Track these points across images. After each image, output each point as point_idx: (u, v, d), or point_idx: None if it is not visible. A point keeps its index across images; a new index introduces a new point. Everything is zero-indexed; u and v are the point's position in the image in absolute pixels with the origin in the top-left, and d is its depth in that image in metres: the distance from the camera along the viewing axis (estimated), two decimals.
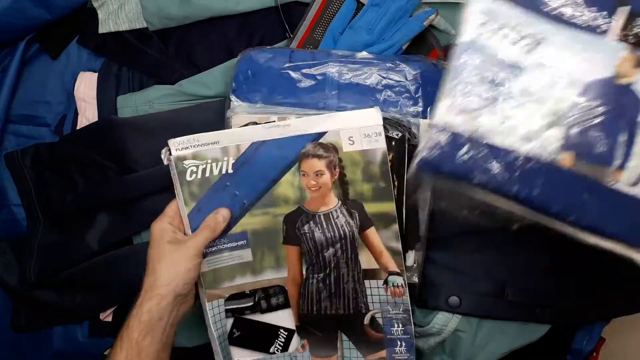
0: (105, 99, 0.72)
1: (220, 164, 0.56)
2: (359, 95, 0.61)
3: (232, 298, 0.59)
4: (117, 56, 0.74)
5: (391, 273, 0.58)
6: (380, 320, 0.60)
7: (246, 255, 0.58)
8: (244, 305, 0.60)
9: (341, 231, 0.58)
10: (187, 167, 0.56)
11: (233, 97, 0.63)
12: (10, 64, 0.75)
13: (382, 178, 0.57)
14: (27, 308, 0.73)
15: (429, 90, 0.61)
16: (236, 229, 0.57)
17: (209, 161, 0.56)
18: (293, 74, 0.63)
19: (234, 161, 0.56)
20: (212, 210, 0.56)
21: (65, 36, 0.76)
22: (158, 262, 0.53)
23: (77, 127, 0.73)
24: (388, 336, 0.60)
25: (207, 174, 0.56)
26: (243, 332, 0.61)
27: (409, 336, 0.60)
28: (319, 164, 0.57)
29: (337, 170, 0.57)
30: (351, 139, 0.56)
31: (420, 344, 0.66)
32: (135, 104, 0.70)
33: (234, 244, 0.58)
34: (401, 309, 0.59)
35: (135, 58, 0.73)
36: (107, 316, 0.72)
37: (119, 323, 0.53)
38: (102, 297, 0.70)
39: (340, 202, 0.58)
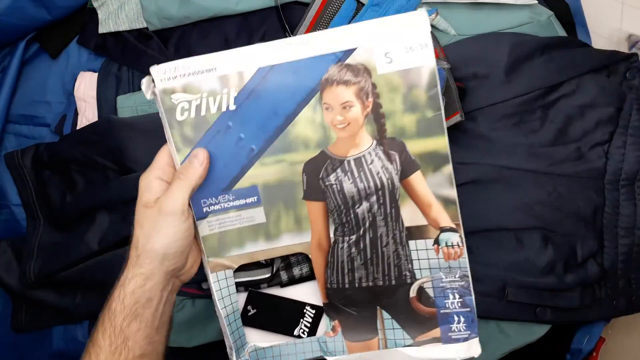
0: (105, 99, 0.72)
1: (218, 98, 0.44)
2: None
3: (243, 269, 0.49)
4: (117, 56, 0.74)
5: (444, 229, 0.47)
6: (430, 291, 0.48)
7: (258, 215, 0.47)
8: (259, 277, 0.51)
9: (377, 180, 0.46)
10: (176, 103, 0.44)
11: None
12: (10, 64, 0.75)
13: (430, 105, 0.44)
14: (27, 308, 0.73)
15: None
16: (243, 182, 0.46)
17: (205, 95, 0.44)
18: None
19: (236, 94, 0.44)
20: (213, 158, 0.46)
21: (65, 36, 0.76)
22: (140, 230, 0.44)
23: (77, 127, 0.73)
24: (441, 310, 0.48)
25: (203, 112, 0.45)
26: (260, 310, 0.51)
27: (468, 309, 0.48)
28: (347, 93, 0.45)
29: (370, 99, 0.45)
30: (388, 55, 0.43)
31: None
32: (135, 104, 0.70)
33: (242, 202, 0.47)
34: (457, 275, 0.48)
35: (135, 58, 0.73)
36: None
37: None
38: (102, 297, 0.70)
39: (375, 141, 0.46)
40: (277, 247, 0.48)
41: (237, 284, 0.49)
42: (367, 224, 0.48)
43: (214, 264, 0.48)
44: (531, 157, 0.61)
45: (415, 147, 0.46)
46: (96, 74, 0.74)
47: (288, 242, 0.48)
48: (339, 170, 0.46)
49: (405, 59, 0.44)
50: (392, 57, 0.44)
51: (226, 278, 0.49)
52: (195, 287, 0.67)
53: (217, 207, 0.47)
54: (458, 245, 0.47)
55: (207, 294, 0.66)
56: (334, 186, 0.47)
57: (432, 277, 0.48)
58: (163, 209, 0.43)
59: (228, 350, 0.50)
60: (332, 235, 0.48)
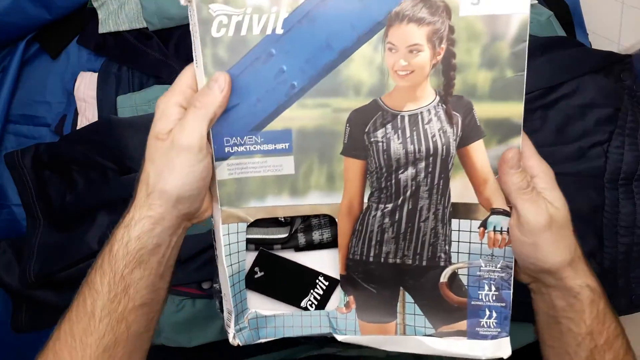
0: (105, 99, 0.72)
1: (265, 17, 0.38)
2: None
3: (258, 224, 0.44)
4: (117, 56, 0.74)
5: (495, 211, 0.41)
6: (464, 279, 0.43)
7: (286, 165, 0.41)
8: (274, 236, 0.45)
9: (431, 143, 0.40)
10: (214, 15, 0.38)
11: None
12: (10, 64, 0.75)
13: (512, 63, 0.38)
14: (27, 308, 0.73)
15: None
16: (276, 124, 0.40)
17: (249, 10, 0.37)
18: None
19: (287, 15, 0.37)
20: (246, 87, 0.39)
21: (65, 36, 0.76)
22: (151, 165, 0.39)
23: (77, 127, 0.73)
24: (473, 301, 0.43)
25: (244, 32, 0.38)
26: (268, 273, 0.46)
27: (504, 304, 0.43)
28: (418, 34, 0.38)
29: (444, 46, 0.38)
30: None
31: None
32: (135, 104, 0.70)
33: (271, 147, 0.41)
34: (499, 265, 0.42)
35: (135, 58, 0.73)
36: None
37: None
38: None
39: (438, 97, 0.39)
40: (302, 205, 0.42)
41: (248, 241, 0.43)
42: (409, 193, 0.41)
43: (227, 214, 0.42)
44: None
45: (483, 110, 0.39)
46: (96, 74, 0.74)
47: (315, 201, 0.42)
48: (389, 125, 0.40)
49: (496, 2, 0.37)
50: None
51: (238, 232, 0.42)
52: (195, 287, 0.67)
53: (241, 148, 0.40)
54: (507, 232, 0.41)
55: (207, 294, 0.66)
56: (380, 144, 0.40)
57: (470, 264, 0.42)
58: (177, 143, 0.37)
59: (226, 314, 0.44)
60: (366, 200, 0.42)
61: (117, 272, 0.38)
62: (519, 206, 0.39)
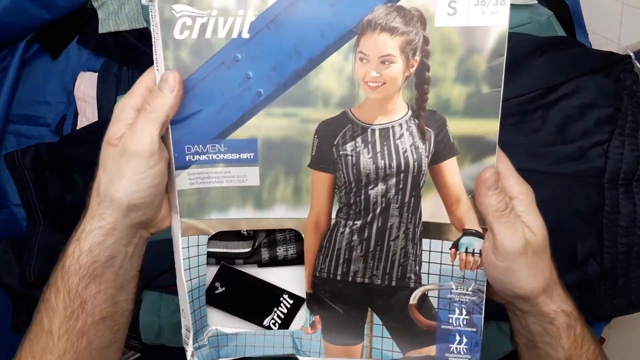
0: (105, 99, 0.72)
1: (231, 20, 0.36)
2: None
3: (220, 237, 0.42)
4: (117, 56, 0.74)
5: (467, 232, 0.39)
6: (434, 301, 0.41)
7: (251, 176, 0.40)
8: (236, 250, 0.43)
9: (402, 159, 0.39)
10: (177, 16, 0.36)
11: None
12: (10, 64, 0.75)
13: (489, 78, 0.36)
14: (27, 308, 0.73)
15: None
16: (241, 132, 0.39)
17: (214, 13, 0.36)
18: None
19: (254, 19, 0.36)
20: (209, 96, 0.37)
21: (65, 36, 0.76)
22: (103, 172, 0.36)
23: (77, 127, 0.73)
24: (442, 325, 0.41)
25: (209, 34, 0.36)
26: (229, 289, 0.44)
27: (474, 329, 0.41)
28: (390, 44, 0.36)
29: (417, 58, 0.37)
30: (452, 4, 0.35)
31: None
32: None
33: (235, 156, 0.39)
34: (470, 288, 0.40)
35: (135, 58, 0.73)
36: None
37: None
38: None
39: (410, 112, 0.38)
40: (266, 218, 0.40)
41: (209, 255, 0.41)
42: (378, 210, 0.40)
43: (187, 226, 0.40)
44: (531, 157, 0.61)
45: (457, 127, 0.37)
46: (96, 74, 0.74)
47: (281, 215, 0.40)
48: (359, 139, 0.38)
49: (473, 13, 0.35)
50: (456, 8, 0.35)
51: (198, 245, 0.40)
52: None
53: (203, 157, 0.39)
54: (479, 254, 0.40)
55: None
56: (349, 158, 0.39)
57: (440, 286, 0.41)
58: (127, 149, 0.35)
59: (184, 331, 0.42)
60: (333, 215, 0.41)
61: (72, 289, 0.36)
62: (495, 229, 0.37)
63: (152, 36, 0.37)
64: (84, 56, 0.76)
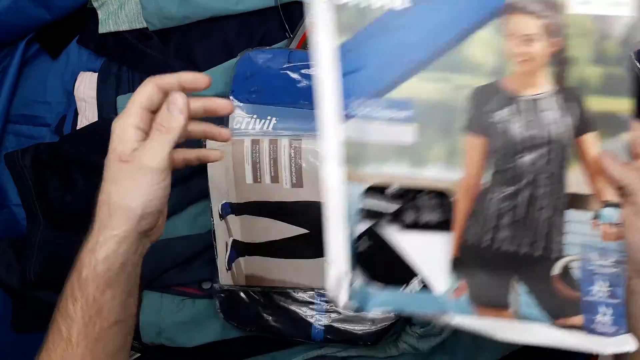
0: (105, 99, 0.72)
1: None
2: None
3: (373, 190, 0.42)
4: (117, 56, 0.74)
5: (609, 204, 0.40)
6: (577, 272, 0.41)
7: (407, 134, 0.41)
8: (383, 209, 0.43)
9: (550, 130, 0.41)
10: None
11: (232, 98, 0.62)
12: (10, 64, 0.75)
13: (621, 61, 0.40)
14: (27, 308, 0.73)
15: None
16: (398, 92, 0.41)
17: None
18: (292, 75, 0.62)
19: None
20: (369, 54, 0.41)
21: (65, 36, 0.76)
22: (114, 186, 0.40)
23: (77, 127, 0.73)
24: (585, 297, 0.41)
25: (370, 2, 0.40)
26: (374, 246, 0.43)
27: (618, 301, 0.41)
28: (533, 25, 0.40)
29: (558, 39, 0.40)
30: None
31: (421, 345, 0.65)
32: None
33: (393, 114, 0.41)
34: (612, 260, 0.40)
35: (135, 58, 0.73)
36: None
37: None
38: None
39: (554, 87, 0.41)
40: (420, 177, 0.41)
41: (361, 211, 0.42)
42: (527, 179, 0.41)
43: (347, 174, 0.42)
44: None
45: (594, 104, 0.40)
46: (96, 74, 0.74)
47: (435, 174, 0.41)
48: (507, 108, 0.41)
49: (605, 3, 0.39)
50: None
51: (360, 195, 0.42)
52: (195, 287, 0.67)
53: (364, 111, 0.41)
54: (620, 225, 0.40)
55: (207, 294, 0.66)
56: (499, 125, 0.41)
57: (583, 257, 0.41)
58: (143, 164, 0.39)
59: (334, 278, 0.42)
60: (485, 180, 0.41)
61: (89, 296, 0.39)
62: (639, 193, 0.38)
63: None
64: (84, 56, 0.76)
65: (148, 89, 0.41)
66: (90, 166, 0.70)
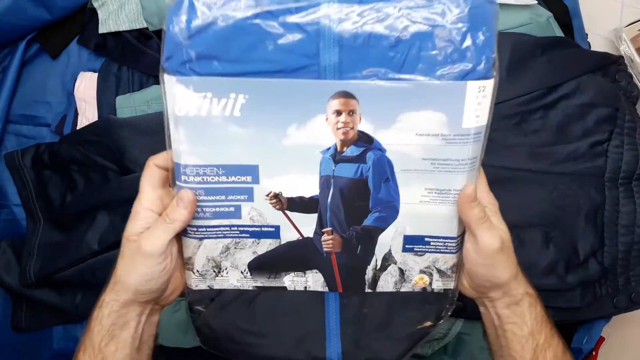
0: (105, 99, 0.72)
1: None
2: (374, 53, 0.40)
3: None
4: (117, 56, 0.74)
5: None
6: None
7: None
8: None
9: None
10: None
11: (166, 69, 0.40)
12: (11, 64, 0.75)
13: None
14: (27, 308, 0.73)
15: (481, 35, 0.40)
16: None
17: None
18: (265, 25, 0.40)
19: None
20: None
21: (65, 36, 0.76)
22: (121, 260, 0.44)
23: (77, 127, 0.73)
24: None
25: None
26: None
27: None
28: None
29: None
30: None
31: (424, 350, 0.65)
32: (134, 104, 0.70)
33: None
34: None
35: (135, 58, 0.73)
36: None
37: None
38: None
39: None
40: None
41: None
42: None
43: None
44: (532, 157, 0.61)
45: None
46: (96, 74, 0.74)
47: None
48: None
49: None
50: None
51: None
52: None
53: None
54: None
55: None
56: None
57: None
58: (142, 248, 0.42)
59: None
60: None
61: (95, 346, 0.44)
62: (478, 234, 0.44)
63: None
64: (84, 56, 0.76)
65: (149, 170, 0.45)
66: (90, 166, 0.70)
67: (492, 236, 0.43)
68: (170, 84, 0.41)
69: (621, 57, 0.67)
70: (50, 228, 0.72)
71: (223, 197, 0.45)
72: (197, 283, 0.49)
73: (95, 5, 0.73)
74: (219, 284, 0.50)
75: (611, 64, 0.65)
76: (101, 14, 0.73)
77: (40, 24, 0.74)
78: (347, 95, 0.41)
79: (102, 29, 0.72)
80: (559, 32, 0.68)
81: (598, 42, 0.82)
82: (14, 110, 0.76)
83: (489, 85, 0.41)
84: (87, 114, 0.73)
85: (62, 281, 0.69)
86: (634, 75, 0.68)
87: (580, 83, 0.62)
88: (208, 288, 0.50)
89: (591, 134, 0.62)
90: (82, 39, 0.75)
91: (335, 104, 0.42)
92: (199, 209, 0.45)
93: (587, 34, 0.75)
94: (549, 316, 0.47)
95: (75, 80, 0.74)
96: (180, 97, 0.41)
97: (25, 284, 0.70)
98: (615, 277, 0.63)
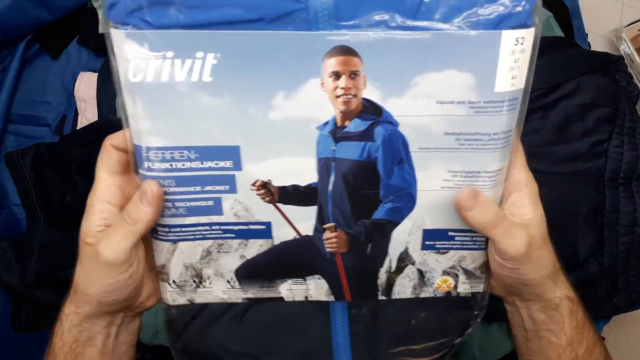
0: (105, 99, 0.72)
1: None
2: None
3: None
4: None
5: None
6: None
7: None
8: None
9: None
10: None
11: (112, 29, 0.33)
12: (11, 64, 0.75)
13: None
14: (27, 308, 0.73)
15: None
16: None
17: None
18: None
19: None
20: None
21: (65, 36, 0.76)
22: (79, 265, 0.36)
23: (77, 127, 0.73)
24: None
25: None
26: None
27: None
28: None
29: None
30: None
31: None
32: None
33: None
34: None
35: None
36: None
37: None
38: None
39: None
40: None
41: None
42: None
43: None
44: (532, 157, 0.61)
45: None
46: (96, 74, 0.74)
47: None
48: None
49: None
50: None
51: None
52: None
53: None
54: None
55: None
56: None
57: None
58: (100, 256, 0.34)
59: None
60: None
61: None
62: (494, 240, 0.36)
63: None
64: (84, 56, 0.76)
65: (106, 153, 0.37)
66: (90, 166, 0.69)
67: (512, 242, 0.35)
68: (119, 40, 0.32)
69: (621, 57, 0.67)
70: (50, 228, 0.72)
71: (198, 188, 0.36)
72: (174, 297, 0.40)
73: (95, 5, 0.72)
74: (202, 297, 0.40)
75: (611, 64, 0.65)
76: (101, 14, 0.73)
77: (40, 24, 0.74)
78: (347, 51, 0.32)
79: (102, 29, 0.72)
80: (559, 32, 0.68)
81: (598, 42, 0.82)
82: (14, 110, 0.76)
83: (528, 35, 0.32)
84: (87, 114, 0.73)
85: (62, 281, 0.69)
86: (634, 75, 0.69)
87: (580, 83, 0.62)
88: (188, 302, 0.40)
89: (591, 134, 0.62)
90: (82, 39, 0.75)
91: (332, 63, 0.32)
92: (169, 204, 0.36)
93: (587, 34, 0.76)
94: (591, 323, 0.40)
95: (75, 80, 0.74)
96: (134, 58, 0.32)
97: (25, 284, 0.70)
98: (615, 277, 0.63)
